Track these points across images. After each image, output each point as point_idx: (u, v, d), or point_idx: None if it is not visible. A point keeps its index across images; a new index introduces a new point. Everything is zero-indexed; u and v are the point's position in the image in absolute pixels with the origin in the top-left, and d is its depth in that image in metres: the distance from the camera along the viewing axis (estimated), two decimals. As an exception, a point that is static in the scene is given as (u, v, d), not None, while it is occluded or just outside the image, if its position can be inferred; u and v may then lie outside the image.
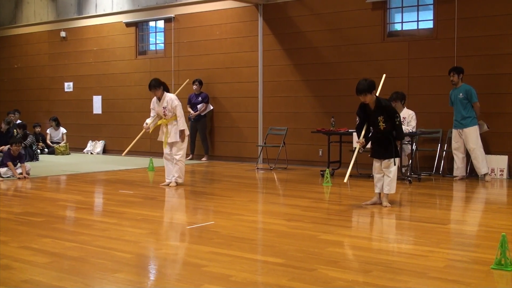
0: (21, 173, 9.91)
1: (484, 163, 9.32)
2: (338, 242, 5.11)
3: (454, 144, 9.61)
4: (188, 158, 12.76)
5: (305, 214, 6.49)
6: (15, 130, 12.72)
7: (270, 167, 11.38)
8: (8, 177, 9.82)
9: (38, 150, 13.64)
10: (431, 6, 10.44)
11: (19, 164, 10.04)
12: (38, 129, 14.59)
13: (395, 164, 6.85)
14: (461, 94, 9.40)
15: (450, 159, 10.07)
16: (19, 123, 13.95)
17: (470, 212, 7.09)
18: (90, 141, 15.33)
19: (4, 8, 17.25)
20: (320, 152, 11.40)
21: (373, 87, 6.75)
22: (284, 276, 4.04)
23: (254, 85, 12.43)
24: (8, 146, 10.37)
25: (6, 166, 9.90)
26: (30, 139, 13.22)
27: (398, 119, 6.84)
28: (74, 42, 15.70)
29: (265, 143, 11.76)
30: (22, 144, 12.85)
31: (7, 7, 17.17)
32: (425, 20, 10.62)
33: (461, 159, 9.52)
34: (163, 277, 4.21)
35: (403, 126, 9.25)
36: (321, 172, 9.78)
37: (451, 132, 10.07)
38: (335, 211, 6.85)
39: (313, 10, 11.61)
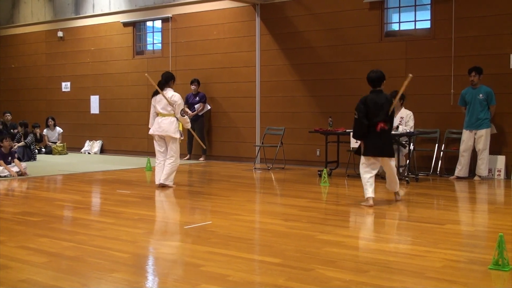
0: (18, 171, 9.90)
1: (487, 165, 9.34)
2: (335, 242, 5.11)
3: (464, 146, 9.45)
4: (186, 158, 12.76)
5: (302, 214, 6.48)
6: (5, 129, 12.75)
7: (268, 167, 11.38)
8: (5, 176, 9.79)
9: (36, 150, 13.63)
10: (429, 6, 10.45)
11: (13, 164, 10.01)
12: (37, 130, 14.55)
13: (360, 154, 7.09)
14: (481, 95, 9.31)
15: (447, 159, 10.08)
16: (21, 121, 13.99)
17: (467, 212, 7.10)
18: (88, 141, 15.31)
19: (1, 8, 17.21)
20: (318, 152, 11.41)
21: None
22: (281, 276, 4.04)
23: (251, 85, 12.43)
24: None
25: (-1, 165, 9.91)
26: (30, 138, 13.23)
27: (356, 116, 6.98)
28: (72, 42, 15.68)
29: (262, 143, 11.76)
30: (22, 142, 12.90)
31: (4, 7, 17.13)
32: (423, 20, 10.63)
33: (468, 160, 9.48)
34: (160, 277, 4.20)
35: (400, 126, 9.31)
36: (319, 172, 9.78)
37: (449, 132, 10.07)
38: (333, 211, 6.85)
39: (311, 10, 11.61)
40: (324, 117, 10.99)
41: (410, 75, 7.12)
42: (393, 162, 7.13)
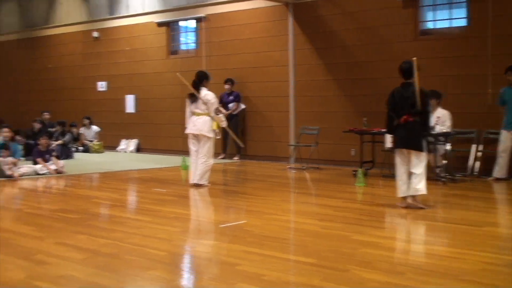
0: (56, 169, 10.09)
1: None
2: (370, 243, 5.07)
3: (502, 146, 9.24)
4: (220, 157, 12.80)
5: (337, 214, 6.46)
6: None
7: (303, 166, 11.34)
8: (43, 173, 9.99)
9: (74, 149, 13.88)
10: (465, 4, 10.26)
11: (51, 161, 10.21)
12: (74, 129, 14.83)
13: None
14: None
15: (485, 160, 9.88)
16: (59, 121, 14.31)
17: (506, 214, 6.95)
18: (124, 140, 15.50)
19: (38, 9, 17.57)
20: (353, 152, 11.31)
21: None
22: (317, 276, 4.03)
23: (285, 84, 12.41)
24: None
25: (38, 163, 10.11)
26: (68, 137, 13.50)
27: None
28: (107, 42, 15.90)
29: (298, 143, 11.73)
30: (60, 140, 13.20)
31: (41, 8, 17.48)
32: (459, 18, 10.45)
33: (507, 161, 9.29)
34: (197, 275, 4.24)
35: (437, 126, 9.17)
36: (354, 172, 9.71)
37: (487, 132, 9.88)
38: (368, 211, 6.80)
39: (344, 8, 11.53)
40: (358, 117, 10.90)
41: (414, 58, 6.98)
42: (418, 158, 6.71)
